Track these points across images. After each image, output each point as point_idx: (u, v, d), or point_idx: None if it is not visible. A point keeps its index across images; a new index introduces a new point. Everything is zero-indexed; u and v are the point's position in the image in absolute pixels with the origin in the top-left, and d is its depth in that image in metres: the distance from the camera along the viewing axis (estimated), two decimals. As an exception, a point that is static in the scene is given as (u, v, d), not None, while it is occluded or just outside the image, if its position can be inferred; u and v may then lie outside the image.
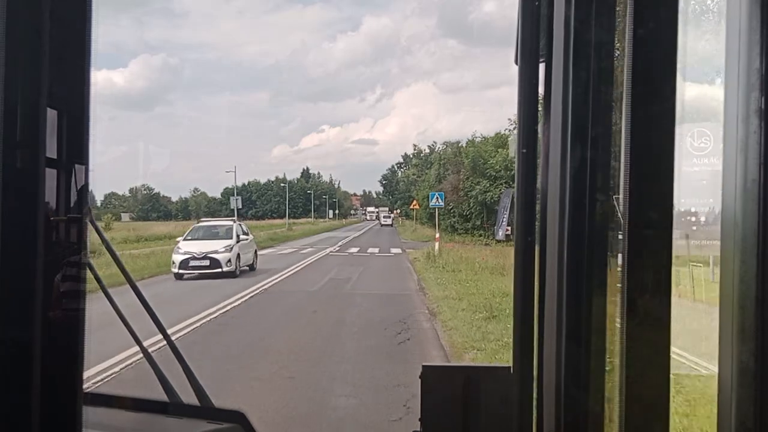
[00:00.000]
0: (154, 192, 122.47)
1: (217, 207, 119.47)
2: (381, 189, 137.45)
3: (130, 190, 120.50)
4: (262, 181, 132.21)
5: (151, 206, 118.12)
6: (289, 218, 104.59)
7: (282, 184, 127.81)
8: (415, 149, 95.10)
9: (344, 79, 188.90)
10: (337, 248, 33.93)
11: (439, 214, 41.15)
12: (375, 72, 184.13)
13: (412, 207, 54.34)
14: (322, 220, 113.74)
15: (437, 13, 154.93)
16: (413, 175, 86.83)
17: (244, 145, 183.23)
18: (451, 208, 42.57)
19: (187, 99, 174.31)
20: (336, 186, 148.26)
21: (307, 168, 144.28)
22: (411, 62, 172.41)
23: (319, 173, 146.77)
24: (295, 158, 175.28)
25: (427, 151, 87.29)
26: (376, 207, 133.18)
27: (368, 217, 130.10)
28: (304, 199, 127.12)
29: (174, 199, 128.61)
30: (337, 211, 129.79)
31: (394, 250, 32.30)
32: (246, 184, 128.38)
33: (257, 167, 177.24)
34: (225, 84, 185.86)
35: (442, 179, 48.85)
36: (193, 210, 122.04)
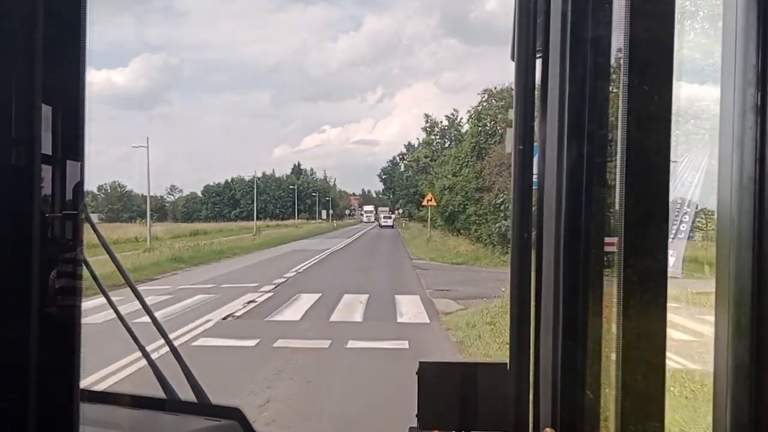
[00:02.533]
0: (126, 190, 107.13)
1: (196, 207, 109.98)
2: (381, 187, 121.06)
3: (99, 188, 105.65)
4: (247, 177, 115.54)
5: (122, 205, 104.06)
6: (275, 220, 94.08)
7: (257, 180, 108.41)
8: (427, 121, 64.66)
9: (345, 79, 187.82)
10: (268, 293, 14.32)
11: (467, 213, 29.08)
12: (376, 72, 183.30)
13: (425, 203, 36.43)
14: (314, 221, 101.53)
15: (439, 12, 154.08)
16: (425, 158, 62.34)
17: (244, 145, 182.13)
18: (502, 202, 24.48)
19: (187, 99, 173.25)
20: (331, 183, 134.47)
21: (299, 163, 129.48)
22: (412, 62, 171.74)
23: (312, 169, 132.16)
24: (296, 158, 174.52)
25: (446, 123, 61.66)
26: (375, 206, 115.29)
27: (365, 218, 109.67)
28: (294, 198, 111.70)
29: (171, 198, 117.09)
30: (331, 212, 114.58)
31: (405, 305, 12.46)
32: (229, 180, 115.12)
33: (257, 167, 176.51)
34: (226, 84, 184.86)
35: (482, 154, 29.09)
36: (169, 210, 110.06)
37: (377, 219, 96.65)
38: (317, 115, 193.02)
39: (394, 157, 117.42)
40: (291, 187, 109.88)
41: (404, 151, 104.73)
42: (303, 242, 40.38)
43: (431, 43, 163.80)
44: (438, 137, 64.24)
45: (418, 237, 42.98)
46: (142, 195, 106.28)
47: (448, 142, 58.40)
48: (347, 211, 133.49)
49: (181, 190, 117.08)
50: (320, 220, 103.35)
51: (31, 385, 0.67)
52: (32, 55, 0.67)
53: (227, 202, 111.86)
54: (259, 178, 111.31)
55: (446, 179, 37.10)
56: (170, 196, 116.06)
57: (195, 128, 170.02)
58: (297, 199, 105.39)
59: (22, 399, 0.67)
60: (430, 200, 34.63)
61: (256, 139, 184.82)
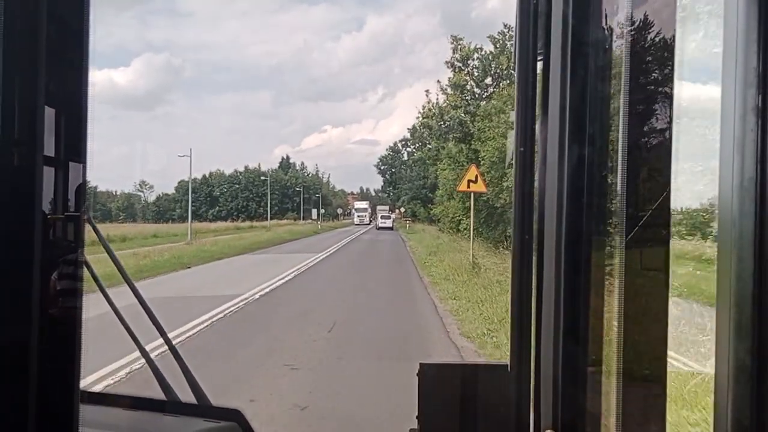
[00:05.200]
0: (90, 186, 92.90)
1: (168, 205, 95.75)
2: (380, 183, 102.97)
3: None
4: (228, 171, 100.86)
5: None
6: (254, 220, 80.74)
7: (238, 174, 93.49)
8: (456, 50, 33.43)
9: (347, 79, 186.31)
10: None
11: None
12: (377, 72, 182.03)
13: (462, 188, 17.19)
14: (302, 222, 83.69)
15: (440, 10, 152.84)
16: (455, 108, 33.14)
17: (245, 145, 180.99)
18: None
19: (189, 99, 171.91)
20: (324, 179, 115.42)
21: (287, 156, 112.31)
22: (414, 61, 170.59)
23: (302, 163, 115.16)
24: (296, 158, 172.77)
25: (489, 50, 32.48)
26: (373, 205, 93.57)
27: (356, 219, 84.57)
28: (281, 195, 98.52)
29: (151, 196, 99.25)
30: (323, 210, 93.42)
31: None
32: (207, 175, 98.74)
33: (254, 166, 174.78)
34: (228, 84, 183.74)
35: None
36: (139, 209, 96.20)
37: (373, 219, 78.77)
38: (318, 115, 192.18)
39: (395, 144, 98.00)
40: (263, 178, 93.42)
41: (408, 136, 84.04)
42: (227, 265, 21.84)
43: (432, 42, 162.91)
44: (477, 75, 32.87)
45: (439, 253, 22.27)
46: (115, 192, 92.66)
47: (494, 83, 32.80)
48: (339, 210, 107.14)
49: (151, 186, 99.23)
50: (310, 221, 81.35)
51: (31, 386, 0.67)
52: (35, 58, 0.67)
53: (204, 199, 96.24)
54: (240, 173, 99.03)
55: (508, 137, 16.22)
56: (139, 193, 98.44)
57: (196, 128, 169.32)
58: (271, 195, 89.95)
59: (22, 400, 0.67)
60: (474, 182, 16.17)
61: (256, 139, 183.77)
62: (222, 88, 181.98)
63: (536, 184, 1.22)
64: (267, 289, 14.21)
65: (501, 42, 32.46)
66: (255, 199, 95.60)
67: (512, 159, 1.24)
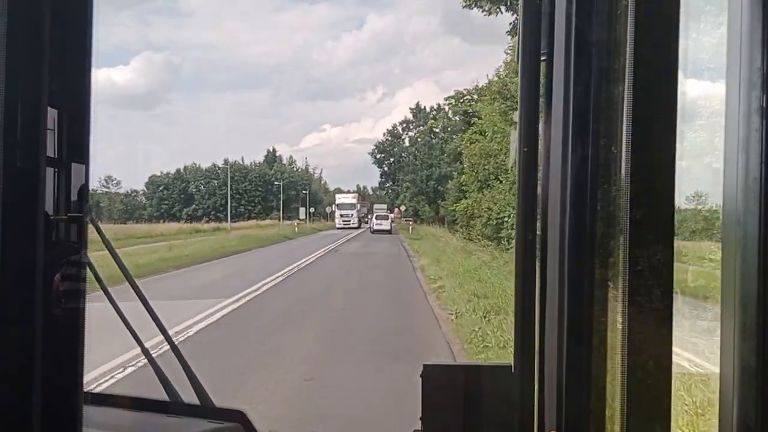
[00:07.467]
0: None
1: (139, 203, 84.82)
2: (377, 179, 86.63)
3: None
4: (205, 165, 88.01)
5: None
6: (233, 221, 67.34)
7: (218, 169, 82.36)
8: None
9: (347, 79, 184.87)
10: None
11: None
12: (377, 71, 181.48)
13: None
14: (287, 222, 66.43)
15: (441, 10, 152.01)
16: None
17: (243, 145, 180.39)
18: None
19: (188, 98, 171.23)
20: (316, 175, 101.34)
21: (273, 149, 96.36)
22: (414, 61, 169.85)
23: (291, 157, 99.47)
24: (297, 157, 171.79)
25: None
26: (366, 199, 78.16)
27: (338, 220, 64.23)
28: (265, 192, 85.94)
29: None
30: (312, 209, 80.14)
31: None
32: (181, 170, 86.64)
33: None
34: (228, 83, 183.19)
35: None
36: (105, 208, 78.80)
37: (366, 220, 63.42)
38: (318, 114, 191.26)
39: (394, 126, 78.48)
40: (221, 165, 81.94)
41: (410, 117, 72.81)
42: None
43: (432, 41, 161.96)
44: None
45: (502, 302, 10.72)
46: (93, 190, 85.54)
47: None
48: (328, 209, 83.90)
49: (119, 182, 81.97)
50: (297, 221, 64.10)
51: (35, 386, 0.67)
52: (38, 59, 0.67)
53: (177, 197, 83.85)
54: (219, 167, 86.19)
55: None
56: (105, 190, 79.41)
57: (196, 127, 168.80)
58: (253, 192, 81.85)
59: (26, 401, 0.67)
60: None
61: (255, 137, 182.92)
62: (221, 87, 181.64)
63: (540, 183, 1.22)
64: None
65: None
66: (235, 197, 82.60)
67: (515, 159, 1.24)
